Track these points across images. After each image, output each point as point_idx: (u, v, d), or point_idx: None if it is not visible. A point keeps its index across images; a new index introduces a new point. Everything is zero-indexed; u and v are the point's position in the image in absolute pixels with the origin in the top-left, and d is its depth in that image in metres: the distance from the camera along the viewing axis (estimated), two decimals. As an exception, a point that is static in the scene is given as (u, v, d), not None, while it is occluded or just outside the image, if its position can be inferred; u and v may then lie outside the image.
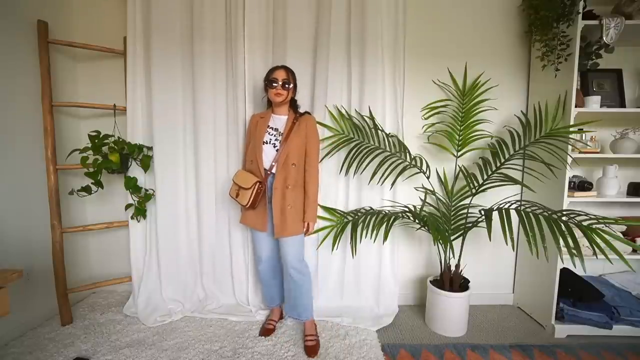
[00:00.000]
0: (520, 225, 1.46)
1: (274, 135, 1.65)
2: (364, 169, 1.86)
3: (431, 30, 2.02)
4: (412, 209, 1.85)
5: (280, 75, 1.60)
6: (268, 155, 1.63)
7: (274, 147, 1.63)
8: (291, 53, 1.89)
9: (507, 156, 1.79)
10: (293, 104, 1.72)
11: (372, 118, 1.89)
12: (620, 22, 1.69)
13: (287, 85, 1.60)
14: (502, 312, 2.08)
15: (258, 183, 1.57)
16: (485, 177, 1.80)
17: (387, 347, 1.68)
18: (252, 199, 1.56)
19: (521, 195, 2.09)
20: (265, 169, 1.62)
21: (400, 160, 1.87)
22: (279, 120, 1.68)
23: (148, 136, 1.95)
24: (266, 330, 1.77)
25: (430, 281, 1.91)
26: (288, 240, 1.63)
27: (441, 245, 1.85)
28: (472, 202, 1.83)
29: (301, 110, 1.77)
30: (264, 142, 1.63)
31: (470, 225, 1.79)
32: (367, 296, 2.01)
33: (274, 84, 1.59)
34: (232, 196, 1.67)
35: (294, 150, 1.63)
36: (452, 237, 1.83)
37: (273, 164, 1.61)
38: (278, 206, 1.61)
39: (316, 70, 1.92)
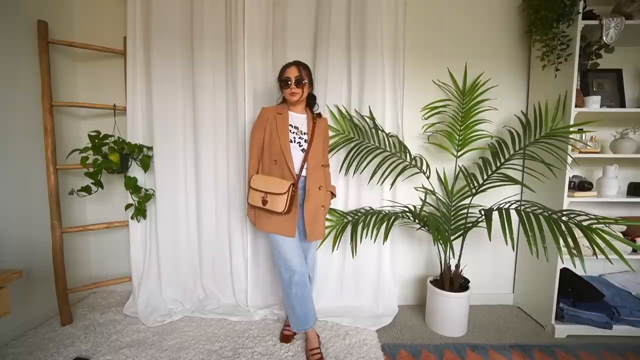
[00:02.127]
0: (520, 225, 1.45)
1: (298, 135, 1.57)
2: (363, 169, 1.86)
3: (431, 30, 2.02)
4: (412, 209, 1.85)
5: (293, 72, 1.52)
6: (295, 156, 1.55)
7: (300, 146, 1.56)
8: (291, 53, 1.89)
9: (507, 156, 1.79)
10: (310, 101, 1.65)
11: (372, 118, 1.89)
12: (620, 22, 1.69)
13: (302, 82, 1.52)
14: (502, 312, 2.08)
15: (292, 186, 1.47)
16: (485, 177, 1.80)
17: (387, 347, 1.68)
18: (288, 203, 1.45)
19: (521, 195, 2.09)
20: (295, 171, 1.53)
21: (400, 160, 1.87)
22: (297, 118, 1.61)
23: (148, 136, 1.95)
24: (286, 337, 1.70)
25: (430, 281, 1.91)
26: (314, 243, 1.62)
27: (441, 245, 1.85)
28: (472, 202, 1.83)
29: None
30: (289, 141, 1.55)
31: (470, 225, 1.79)
32: (367, 296, 2.01)
33: (288, 83, 1.52)
34: (256, 205, 1.52)
35: (321, 151, 1.61)
36: (452, 237, 1.83)
37: (303, 164, 1.55)
38: (312, 209, 1.55)
39: (316, 70, 1.92)
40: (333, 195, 1.73)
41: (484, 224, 1.55)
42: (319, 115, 1.69)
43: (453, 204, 1.91)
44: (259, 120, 1.62)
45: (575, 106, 1.72)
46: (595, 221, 1.32)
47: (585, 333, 1.78)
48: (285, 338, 1.70)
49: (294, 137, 1.56)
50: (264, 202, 1.50)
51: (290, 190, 1.46)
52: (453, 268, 1.86)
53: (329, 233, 1.89)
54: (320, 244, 1.93)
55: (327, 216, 1.90)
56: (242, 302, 2.02)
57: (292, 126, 1.58)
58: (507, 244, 1.39)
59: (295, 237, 1.55)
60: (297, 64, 1.55)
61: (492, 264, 2.16)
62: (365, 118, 1.91)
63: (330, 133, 1.90)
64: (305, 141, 1.58)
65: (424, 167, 1.89)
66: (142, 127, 1.94)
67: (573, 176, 1.92)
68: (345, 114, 1.92)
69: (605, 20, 1.69)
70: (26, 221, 1.74)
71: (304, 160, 1.55)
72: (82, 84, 2.09)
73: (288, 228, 1.52)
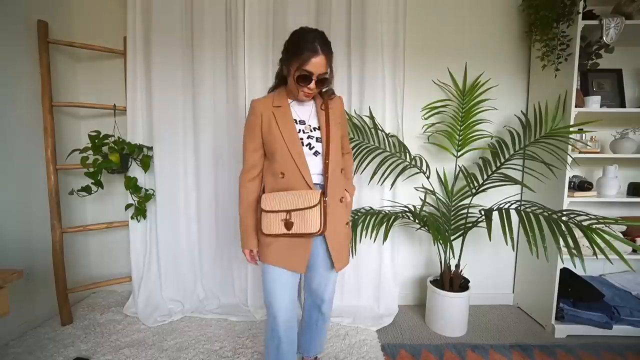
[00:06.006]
0: (520, 225, 1.45)
1: (304, 132, 1.16)
2: (363, 169, 1.86)
3: (431, 30, 2.02)
4: (412, 209, 1.85)
5: (319, 67, 1.05)
6: (310, 162, 1.14)
7: (310, 149, 1.15)
8: (291, 53, 1.89)
9: (507, 156, 1.79)
10: None
11: (372, 118, 1.89)
12: (620, 22, 1.69)
13: (326, 80, 1.10)
14: (502, 312, 2.08)
15: (322, 195, 1.09)
16: (485, 177, 1.80)
17: (387, 347, 1.68)
18: (323, 219, 1.07)
19: (521, 195, 2.09)
20: (314, 182, 1.15)
21: (400, 160, 1.87)
22: (302, 107, 1.19)
23: (148, 136, 1.95)
24: None
25: (430, 281, 1.91)
26: (335, 272, 1.24)
27: (441, 245, 1.85)
28: (472, 202, 1.83)
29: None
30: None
31: (470, 225, 1.79)
32: (367, 296, 2.01)
33: (306, 82, 1.06)
34: (277, 233, 1.10)
35: (340, 148, 1.21)
36: (452, 237, 1.83)
37: (326, 175, 1.14)
38: (336, 229, 1.17)
39: (316, 70, 1.92)
40: (353, 193, 1.38)
41: (484, 224, 1.55)
42: (328, 94, 1.22)
43: (453, 204, 1.91)
44: (253, 121, 1.17)
45: (575, 106, 1.72)
46: (595, 221, 1.32)
47: (585, 333, 1.78)
48: None
49: (303, 139, 1.14)
50: (289, 224, 1.08)
51: (323, 201, 1.08)
52: (453, 268, 1.86)
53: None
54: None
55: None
56: (242, 302, 2.02)
57: (297, 121, 1.16)
58: (507, 244, 1.39)
59: (300, 274, 1.20)
60: (326, 51, 1.07)
61: (492, 264, 2.16)
62: (365, 118, 1.91)
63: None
64: (317, 140, 1.16)
65: (424, 167, 1.89)
66: (142, 127, 1.94)
67: (573, 176, 1.92)
68: (345, 114, 1.92)
69: (605, 20, 1.69)
70: (26, 221, 1.74)
71: (324, 166, 1.15)
72: (82, 84, 2.09)
73: (298, 259, 1.14)
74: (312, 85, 1.08)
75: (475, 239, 2.05)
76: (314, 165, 1.15)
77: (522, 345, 1.70)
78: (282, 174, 1.13)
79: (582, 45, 1.72)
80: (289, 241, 1.13)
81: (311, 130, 1.17)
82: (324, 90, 1.18)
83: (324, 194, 1.10)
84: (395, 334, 1.81)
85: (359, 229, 1.74)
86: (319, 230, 1.07)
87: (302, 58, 1.03)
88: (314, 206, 1.06)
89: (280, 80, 1.22)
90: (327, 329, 1.45)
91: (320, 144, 1.16)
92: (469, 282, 1.88)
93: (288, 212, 1.08)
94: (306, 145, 1.14)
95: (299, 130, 1.15)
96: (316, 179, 1.15)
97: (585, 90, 1.91)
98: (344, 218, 1.22)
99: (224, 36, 1.91)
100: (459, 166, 1.95)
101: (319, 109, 1.19)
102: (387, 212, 1.81)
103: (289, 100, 1.19)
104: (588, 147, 1.86)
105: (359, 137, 1.89)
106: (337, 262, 1.19)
